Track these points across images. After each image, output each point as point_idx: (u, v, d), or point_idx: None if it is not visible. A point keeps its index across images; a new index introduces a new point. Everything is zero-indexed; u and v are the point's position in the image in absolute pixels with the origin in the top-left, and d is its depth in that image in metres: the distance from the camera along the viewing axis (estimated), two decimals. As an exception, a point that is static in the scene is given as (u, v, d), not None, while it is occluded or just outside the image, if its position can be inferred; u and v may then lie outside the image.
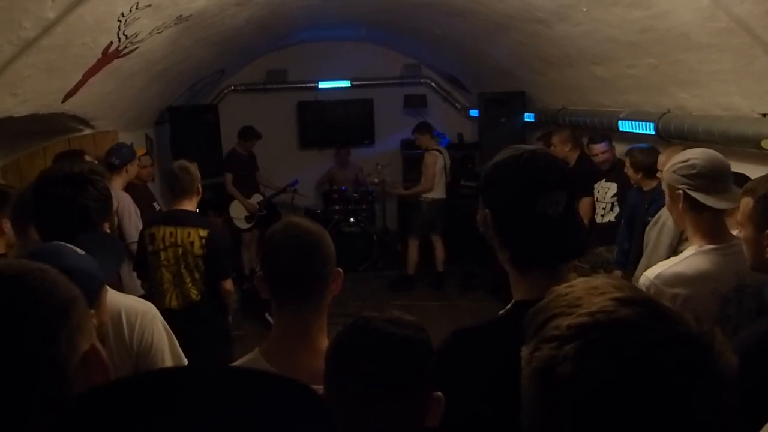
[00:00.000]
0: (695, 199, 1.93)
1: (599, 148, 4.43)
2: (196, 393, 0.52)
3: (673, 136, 3.59)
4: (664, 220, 2.89)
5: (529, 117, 5.86)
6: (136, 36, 3.29)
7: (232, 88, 7.62)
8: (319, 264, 1.41)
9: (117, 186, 3.72)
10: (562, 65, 4.60)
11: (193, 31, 3.97)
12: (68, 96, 3.34)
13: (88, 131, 4.23)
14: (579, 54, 4.14)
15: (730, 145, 3.08)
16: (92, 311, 1.02)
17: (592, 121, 4.66)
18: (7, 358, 0.68)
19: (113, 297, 1.70)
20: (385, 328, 1.09)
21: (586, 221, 4.24)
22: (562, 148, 4.88)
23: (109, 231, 1.95)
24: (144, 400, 0.51)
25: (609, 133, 4.47)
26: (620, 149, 4.49)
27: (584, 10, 3.43)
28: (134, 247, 3.47)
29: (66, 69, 3.04)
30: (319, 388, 1.11)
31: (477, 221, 1.28)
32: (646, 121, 3.91)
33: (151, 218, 3.62)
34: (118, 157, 3.88)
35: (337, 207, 7.07)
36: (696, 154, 1.99)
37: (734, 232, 1.94)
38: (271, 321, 1.51)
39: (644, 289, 1.85)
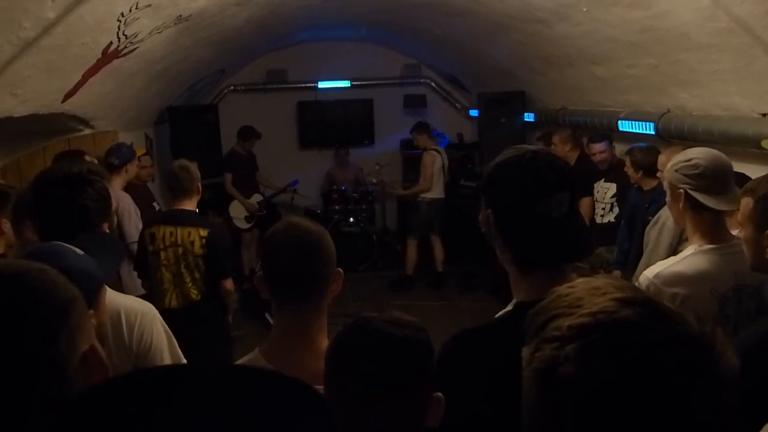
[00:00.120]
0: (696, 199, 1.93)
1: (598, 147, 4.44)
2: (196, 391, 0.52)
3: (673, 136, 3.59)
4: (664, 220, 2.89)
5: (529, 117, 5.86)
6: (135, 36, 3.29)
7: (232, 88, 7.62)
8: (320, 264, 1.40)
9: (117, 186, 3.72)
10: (562, 65, 4.60)
11: (193, 31, 3.96)
12: (68, 96, 3.34)
13: (87, 131, 4.23)
14: (579, 54, 4.14)
15: (730, 145, 3.07)
16: (91, 311, 1.02)
17: (592, 121, 4.66)
18: (7, 358, 0.68)
19: (112, 297, 1.70)
20: (385, 328, 1.09)
21: (586, 221, 4.24)
22: (562, 148, 4.88)
23: (108, 231, 1.95)
24: (144, 399, 0.51)
25: (609, 133, 4.48)
26: (620, 149, 4.49)
27: (584, 10, 3.43)
28: (134, 246, 3.47)
29: (66, 69, 3.04)
30: (320, 388, 1.11)
31: (479, 221, 1.28)
32: (646, 121, 3.91)
33: (151, 218, 3.62)
34: (117, 157, 3.88)
35: (336, 207, 7.07)
36: (699, 154, 1.98)
37: (734, 232, 1.94)
38: (271, 321, 1.51)
39: (643, 288, 1.85)
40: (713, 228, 1.96)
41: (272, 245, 1.42)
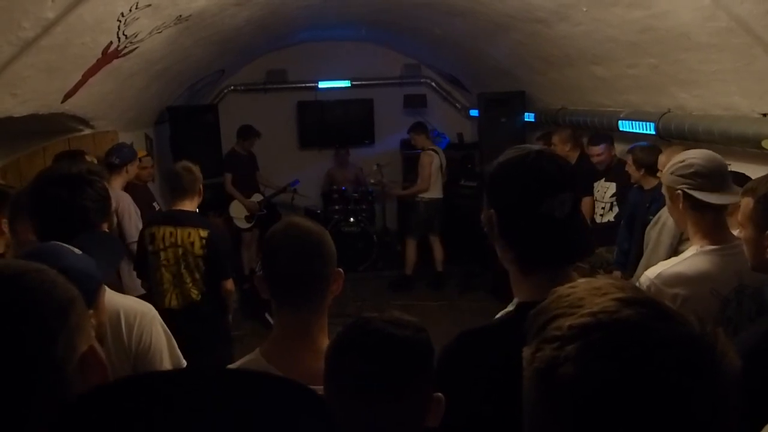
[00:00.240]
0: (695, 198, 1.93)
1: (595, 150, 4.47)
2: (197, 393, 0.52)
3: (674, 135, 3.59)
4: (665, 220, 2.88)
5: (529, 117, 5.86)
6: (135, 36, 3.29)
7: (232, 88, 7.62)
8: (320, 264, 1.40)
9: (116, 186, 3.72)
10: (562, 65, 4.60)
11: (193, 31, 3.96)
12: (68, 96, 3.34)
13: (87, 131, 4.23)
14: (579, 54, 4.14)
15: (731, 145, 3.08)
16: (90, 312, 1.01)
17: (592, 121, 4.65)
18: (7, 358, 0.68)
19: (112, 298, 1.70)
20: (385, 328, 1.08)
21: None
22: (562, 148, 4.88)
23: (107, 231, 1.95)
24: (144, 400, 0.51)
25: (609, 132, 4.48)
26: (620, 149, 4.49)
27: (584, 10, 3.43)
28: (134, 246, 3.47)
29: (66, 69, 3.04)
30: (320, 389, 1.11)
31: (481, 221, 1.28)
32: (646, 120, 3.91)
33: (151, 218, 3.62)
34: (118, 157, 3.88)
35: (336, 207, 7.07)
36: (692, 154, 2.01)
37: (735, 232, 1.94)
38: (271, 321, 1.50)
39: (644, 288, 1.85)
40: (714, 228, 1.96)
41: (272, 245, 1.42)
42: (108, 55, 3.26)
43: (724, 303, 1.88)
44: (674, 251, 2.73)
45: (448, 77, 7.80)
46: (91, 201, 1.85)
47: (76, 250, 1.31)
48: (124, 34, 3.12)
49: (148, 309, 1.84)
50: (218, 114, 6.12)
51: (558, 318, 0.65)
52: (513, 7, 3.97)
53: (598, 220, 4.52)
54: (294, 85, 7.78)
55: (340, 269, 1.45)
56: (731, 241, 1.94)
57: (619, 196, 4.34)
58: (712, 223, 1.96)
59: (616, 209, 4.41)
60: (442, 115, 8.02)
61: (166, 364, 1.83)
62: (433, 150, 6.35)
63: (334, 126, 7.88)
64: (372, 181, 7.20)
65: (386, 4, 5.17)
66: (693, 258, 1.94)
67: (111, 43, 3.13)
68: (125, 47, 3.34)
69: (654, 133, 3.79)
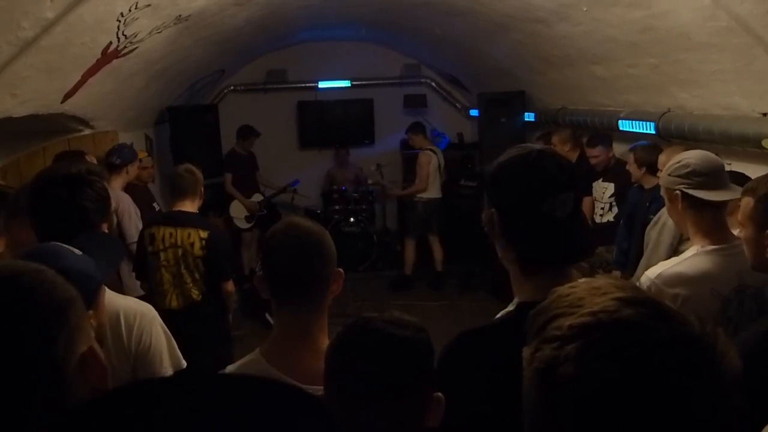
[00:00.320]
0: (694, 198, 1.94)
1: (593, 152, 4.49)
2: (195, 398, 0.52)
3: (674, 135, 3.59)
4: (665, 219, 2.88)
5: (529, 117, 5.86)
6: (135, 36, 3.29)
7: (232, 88, 7.62)
8: (320, 264, 1.40)
9: (116, 186, 3.72)
10: (562, 65, 4.60)
11: (193, 31, 3.96)
12: (68, 96, 3.34)
13: (87, 131, 4.23)
14: (579, 54, 4.14)
15: (731, 145, 3.08)
16: (90, 312, 1.01)
17: (592, 121, 4.65)
18: (7, 358, 0.68)
19: (112, 298, 1.70)
20: (385, 328, 1.08)
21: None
22: (562, 148, 4.87)
23: (107, 231, 1.95)
24: (143, 406, 0.51)
25: (609, 132, 4.48)
26: (620, 149, 4.49)
27: (584, 9, 3.43)
28: (134, 247, 3.47)
29: (65, 69, 3.03)
30: (320, 389, 1.10)
31: (482, 220, 1.28)
32: (646, 120, 3.91)
33: (151, 219, 3.61)
34: (119, 157, 3.89)
35: (337, 207, 7.07)
36: (688, 155, 2.03)
37: (735, 232, 1.94)
38: (271, 321, 1.50)
39: (644, 288, 1.85)
40: (714, 227, 1.96)
41: (272, 245, 1.42)
42: (108, 55, 3.26)
43: (724, 303, 1.88)
44: (674, 251, 2.73)
45: (448, 77, 7.80)
46: (91, 201, 1.84)
47: (76, 251, 1.30)
48: (123, 34, 3.12)
49: (147, 309, 1.84)
50: (218, 114, 6.12)
51: (558, 318, 0.65)
52: (513, 7, 3.97)
53: (597, 219, 4.52)
54: (294, 85, 7.77)
55: (340, 269, 1.45)
56: (732, 240, 1.94)
57: (618, 197, 4.35)
58: (711, 223, 1.96)
59: (615, 209, 4.41)
60: (442, 115, 8.01)
61: (166, 365, 1.83)
62: (431, 150, 6.35)
63: (334, 126, 7.87)
64: (370, 181, 7.21)
65: (386, 4, 5.17)
66: (693, 258, 1.94)
67: (111, 43, 3.13)
68: (125, 47, 3.34)
69: (654, 132, 3.79)
